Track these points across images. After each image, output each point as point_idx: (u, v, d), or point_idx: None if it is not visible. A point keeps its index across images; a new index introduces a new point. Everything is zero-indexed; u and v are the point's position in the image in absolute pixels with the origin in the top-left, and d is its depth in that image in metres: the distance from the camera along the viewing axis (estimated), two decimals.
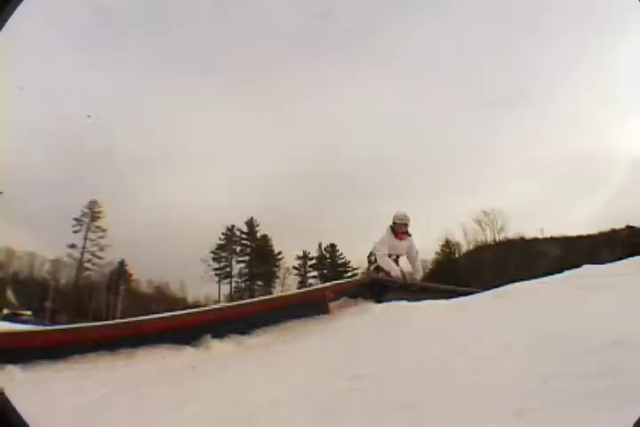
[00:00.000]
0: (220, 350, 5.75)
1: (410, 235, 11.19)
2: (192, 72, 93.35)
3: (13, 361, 5.01)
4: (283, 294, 7.01)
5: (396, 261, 11.13)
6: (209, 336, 5.90)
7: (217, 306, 6.19)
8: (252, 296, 67.36)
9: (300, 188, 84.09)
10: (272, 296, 6.91)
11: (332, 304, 7.37)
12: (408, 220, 11.01)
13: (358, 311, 7.15)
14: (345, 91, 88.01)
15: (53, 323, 48.49)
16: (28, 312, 58.01)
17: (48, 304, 65.01)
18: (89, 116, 64.88)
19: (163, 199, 78.03)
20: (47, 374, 4.95)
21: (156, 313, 6.41)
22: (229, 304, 6.33)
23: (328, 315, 7.13)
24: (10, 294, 63.92)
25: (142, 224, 71.85)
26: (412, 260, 11.30)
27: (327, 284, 7.96)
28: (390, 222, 11.09)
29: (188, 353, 5.67)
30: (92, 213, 74.52)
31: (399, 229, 10.91)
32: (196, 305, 61.49)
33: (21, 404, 3.68)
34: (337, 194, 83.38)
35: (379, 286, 8.04)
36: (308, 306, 7.06)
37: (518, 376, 3.27)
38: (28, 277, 72.57)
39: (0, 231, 67.83)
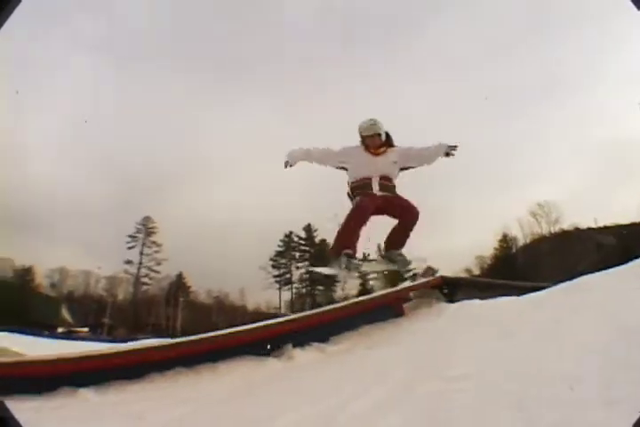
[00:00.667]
0: (304, 358, 5.85)
1: (393, 145, 7.96)
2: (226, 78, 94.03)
3: (86, 384, 5.08)
4: (358, 299, 7.06)
5: (385, 190, 7.63)
6: (290, 346, 6.01)
7: (294, 316, 6.17)
8: (313, 301, 67.91)
9: None
10: (348, 303, 6.95)
11: (405, 306, 7.42)
12: (379, 128, 7.88)
13: (433, 312, 7.19)
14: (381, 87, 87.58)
15: (112, 338, 49.43)
16: (85, 329, 59.16)
17: (105, 320, 66.19)
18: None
19: (217, 211, 79.00)
20: (122, 396, 4.99)
21: (216, 323, 6.51)
22: (307, 313, 6.41)
23: (403, 317, 7.20)
24: (65, 313, 65.44)
25: (198, 237, 72.93)
26: (417, 156, 7.95)
27: (400, 286, 8.00)
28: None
29: (271, 364, 5.76)
30: (147, 229, 76.00)
31: (371, 143, 7.86)
32: (256, 313, 62.13)
33: None
34: None
35: (449, 286, 8.03)
36: (383, 310, 7.14)
37: (606, 369, 3.31)
38: (83, 295, 74.12)
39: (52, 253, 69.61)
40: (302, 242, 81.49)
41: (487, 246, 74.76)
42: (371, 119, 7.92)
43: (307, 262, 78.25)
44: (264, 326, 6.23)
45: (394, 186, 7.96)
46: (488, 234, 74.09)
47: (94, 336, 52.41)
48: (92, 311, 70.47)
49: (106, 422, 4.29)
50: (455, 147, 7.75)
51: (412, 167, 8.18)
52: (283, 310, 68.16)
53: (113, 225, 71.89)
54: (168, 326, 65.19)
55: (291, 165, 7.83)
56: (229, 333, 6.04)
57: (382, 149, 7.88)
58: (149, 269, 75.23)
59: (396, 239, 7.69)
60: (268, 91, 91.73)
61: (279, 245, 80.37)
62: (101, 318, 67.32)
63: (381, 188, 7.74)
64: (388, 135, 8.05)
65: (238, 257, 73.49)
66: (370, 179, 7.81)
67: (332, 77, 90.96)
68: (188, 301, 72.18)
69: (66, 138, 75.90)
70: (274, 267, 78.50)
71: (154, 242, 75.74)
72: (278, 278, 78.08)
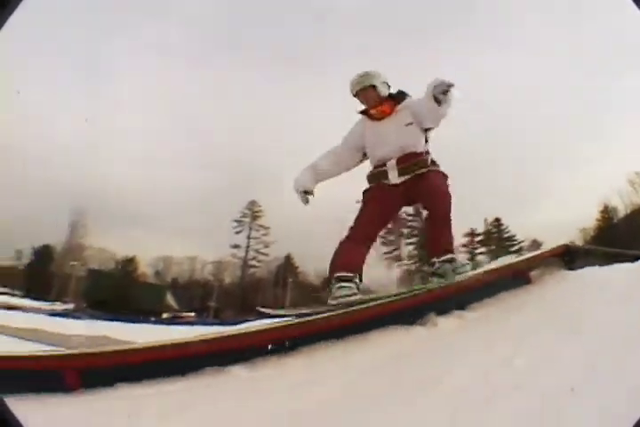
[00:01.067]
0: (447, 325, 6.21)
1: (400, 101, 6.55)
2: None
3: (234, 362, 5.34)
4: (491, 268, 7.42)
5: (406, 173, 6.43)
6: (433, 314, 6.42)
7: (434, 285, 6.44)
8: (423, 278, 67.91)
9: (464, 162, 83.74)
10: (482, 271, 7.34)
11: (531, 274, 7.77)
12: (372, 78, 6.41)
13: (557, 279, 7.50)
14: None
15: (220, 321, 50.76)
16: (191, 314, 60.86)
17: (211, 304, 67.88)
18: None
19: (324, 191, 79.79)
20: (275, 371, 5.22)
21: (325, 303, 6.82)
22: (448, 283, 6.78)
23: (530, 285, 7.49)
24: (169, 299, 67.56)
25: (306, 218, 73.85)
26: (420, 113, 6.28)
27: (527, 255, 8.42)
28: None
29: (417, 332, 6.13)
30: (253, 213, 77.54)
31: (366, 101, 6.54)
32: (364, 291, 62.43)
33: (238, 406, 4.29)
34: (493, 166, 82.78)
35: (570, 254, 8.33)
36: (513, 278, 7.49)
37: None
38: (188, 280, 76.17)
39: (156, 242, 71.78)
40: (410, 218, 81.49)
41: (589, 218, 73.99)
42: (363, 71, 6.35)
43: (415, 238, 78.32)
44: (407, 296, 6.63)
45: (422, 161, 6.55)
46: (589, 206, 73.09)
47: (200, 320, 53.77)
48: (197, 296, 72.74)
49: (260, 395, 4.54)
50: (448, 85, 5.84)
51: (431, 128, 6.58)
52: (393, 288, 68.50)
53: (217, 211, 73.66)
54: (276, 307, 66.50)
55: (311, 195, 6.88)
56: (377, 304, 6.46)
57: (384, 108, 6.51)
58: (257, 251, 76.99)
59: (435, 241, 6.89)
60: None
61: None
62: (207, 303, 69.09)
63: (401, 172, 6.49)
64: (400, 93, 6.63)
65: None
66: (384, 164, 6.56)
67: None
68: (296, 282, 73.30)
69: (167, 129, 77.96)
70: (383, 244, 78.81)
71: (261, 225, 77.68)
72: (387, 255, 78.34)
